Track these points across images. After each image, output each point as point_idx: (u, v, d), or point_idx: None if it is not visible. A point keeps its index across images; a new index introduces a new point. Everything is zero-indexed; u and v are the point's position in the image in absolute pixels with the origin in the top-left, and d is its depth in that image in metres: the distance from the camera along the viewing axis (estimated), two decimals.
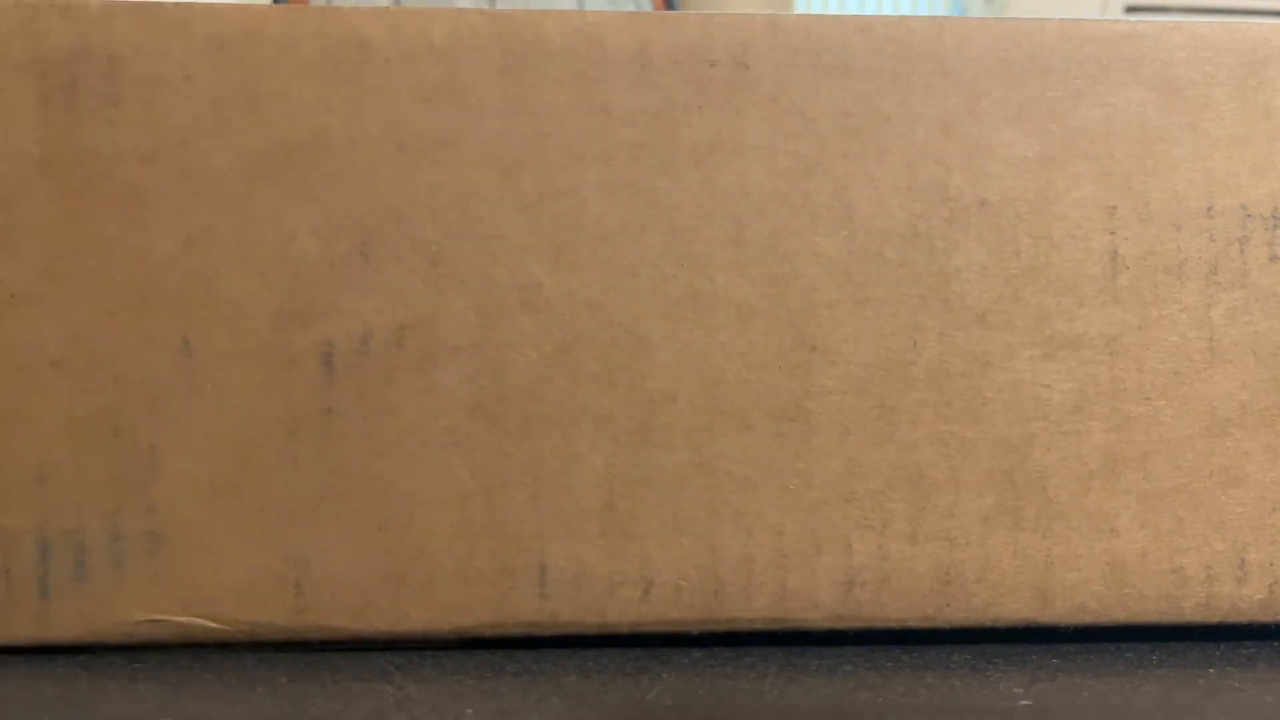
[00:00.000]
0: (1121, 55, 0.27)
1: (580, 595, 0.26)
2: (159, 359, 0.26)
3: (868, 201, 0.26)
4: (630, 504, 0.26)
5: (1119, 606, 0.27)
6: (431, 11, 0.26)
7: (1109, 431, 0.27)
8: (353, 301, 0.26)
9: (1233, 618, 0.27)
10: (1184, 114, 0.27)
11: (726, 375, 0.26)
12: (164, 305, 0.26)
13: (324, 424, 0.26)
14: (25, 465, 0.26)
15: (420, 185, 0.26)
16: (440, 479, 0.26)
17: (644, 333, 0.26)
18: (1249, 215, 0.27)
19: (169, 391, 0.26)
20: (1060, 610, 0.27)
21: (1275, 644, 0.28)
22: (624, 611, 0.26)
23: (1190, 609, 0.27)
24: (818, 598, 0.26)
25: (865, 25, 0.26)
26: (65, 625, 0.26)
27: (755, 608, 0.26)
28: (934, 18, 0.27)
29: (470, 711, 0.23)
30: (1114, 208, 0.27)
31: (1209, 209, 0.27)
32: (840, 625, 0.26)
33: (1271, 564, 0.27)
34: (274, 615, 0.26)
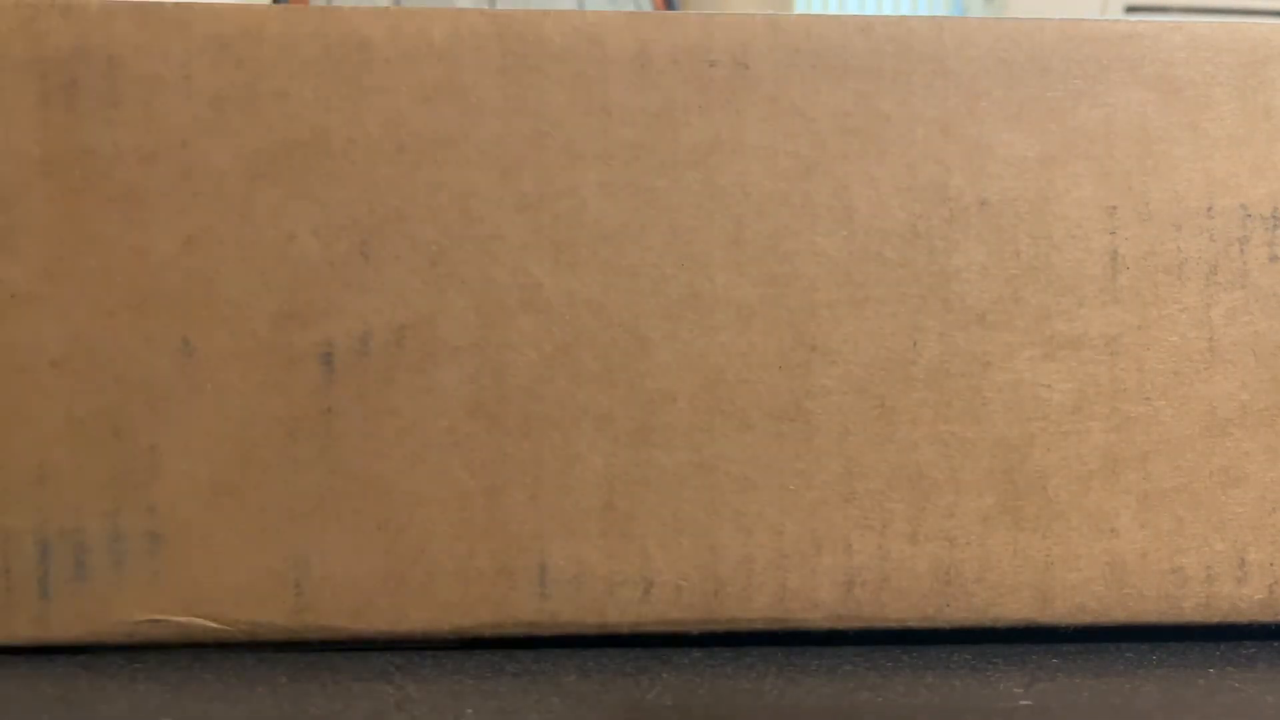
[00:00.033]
0: (1121, 55, 0.27)
1: (580, 595, 0.26)
2: (159, 359, 0.26)
3: (868, 201, 0.26)
4: (630, 504, 0.26)
5: (1119, 606, 0.27)
6: (431, 11, 0.26)
7: (1109, 431, 0.27)
8: (353, 301, 0.26)
9: (1233, 618, 0.27)
10: (1184, 114, 0.27)
11: (726, 375, 0.26)
12: (164, 305, 0.26)
13: (324, 424, 0.26)
14: (25, 465, 0.26)
15: (420, 185, 0.26)
16: (440, 479, 0.26)
17: (644, 333, 0.26)
18: (1249, 215, 0.27)
19: (169, 391, 0.26)
20: (1060, 610, 0.27)
21: (1275, 644, 0.28)
22: (624, 611, 0.26)
23: (1190, 609, 0.27)
24: (818, 598, 0.26)
25: (865, 25, 0.26)
26: (65, 625, 0.26)
27: (755, 608, 0.26)
28: (934, 18, 0.27)
29: (470, 711, 0.23)
30: (1114, 208, 0.27)
31: (1209, 209, 0.27)
32: (840, 625, 0.26)
33: (1271, 564, 0.27)
34: (274, 615, 0.26)
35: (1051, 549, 0.26)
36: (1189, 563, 0.27)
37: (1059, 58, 0.27)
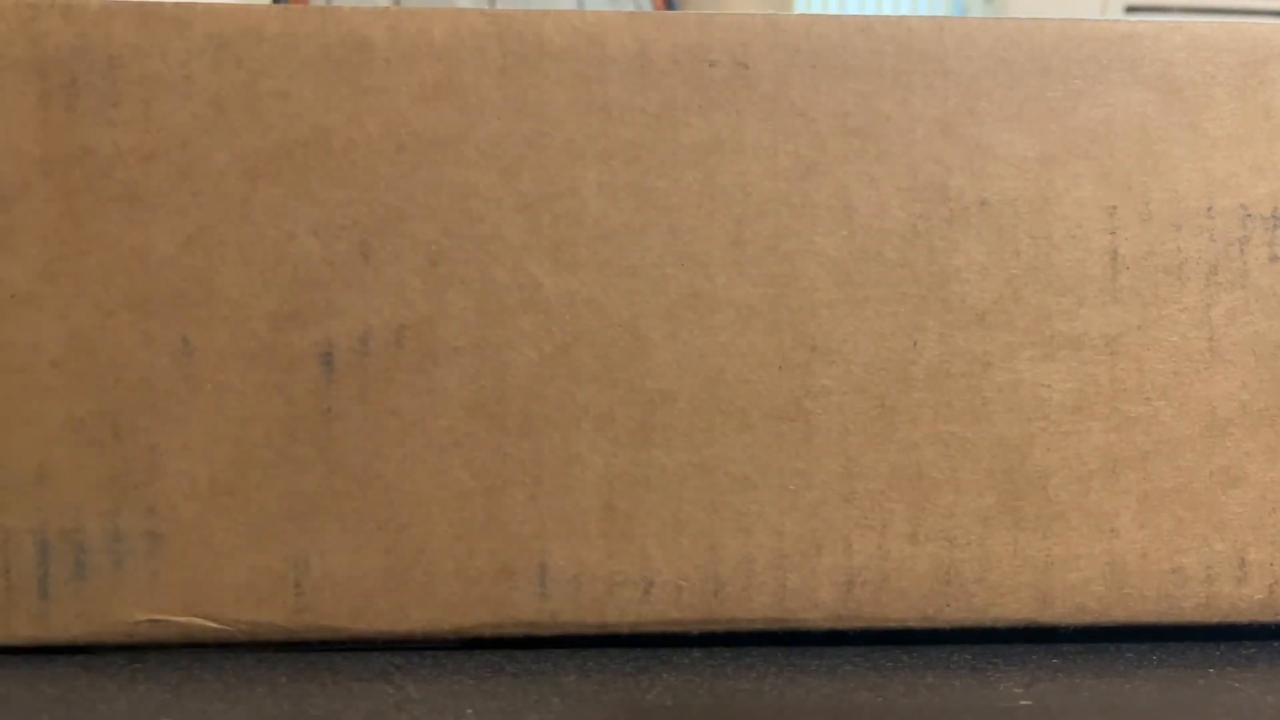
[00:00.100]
0: (1121, 55, 0.27)
1: (580, 595, 0.26)
2: (159, 359, 0.26)
3: (868, 201, 0.26)
4: (630, 504, 0.26)
5: (1119, 606, 0.27)
6: (431, 11, 0.26)
7: (1109, 431, 0.27)
8: (353, 301, 0.26)
9: (1233, 618, 0.27)
10: (1184, 114, 0.27)
11: (726, 375, 0.26)
12: (164, 305, 0.26)
13: (324, 424, 0.26)
14: (25, 465, 0.26)
15: (420, 185, 0.26)
16: (440, 479, 0.26)
17: (644, 333, 0.26)
18: (1249, 215, 0.27)
19: (169, 391, 0.26)
20: (1060, 610, 0.27)
21: (1275, 644, 0.28)
22: (624, 611, 0.26)
23: (1190, 609, 0.27)
24: (818, 598, 0.26)
25: (865, 25, 0.26)
26: (65, 625, 0.26)
27: (755, 608, 0.26)
28: (934, 18, 0.27)
29: (470, 711, 0.23)
30: (1114, 208, 0.27)
31: (1209, 209, 0.27)
32: (840, 625, 0.26)
33: (1271, 564, 0.27)
34: (274, 615, 0.26)
35: (1051, 549, 0.26)
36: (1189, 563, 0.27)
37: (1059, 58, 0.27)
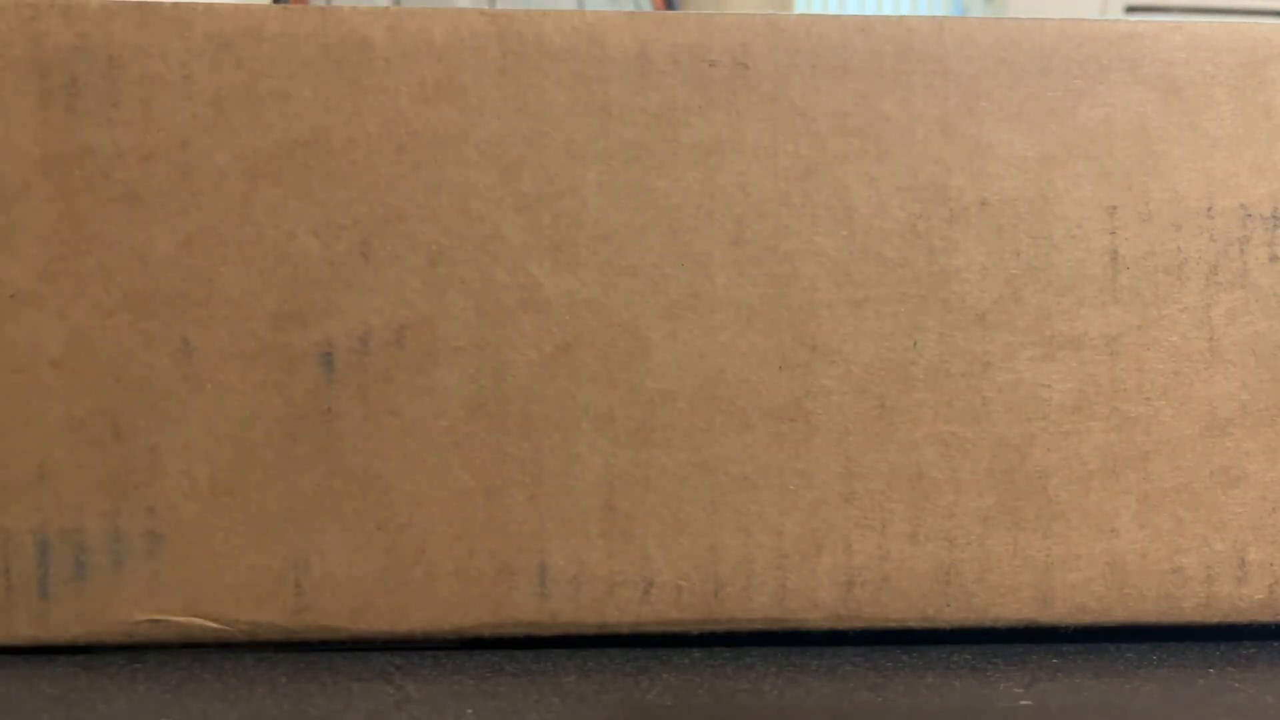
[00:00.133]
0: (1121, 55, 0.27)
1: (580, 595, 0.26)
2: (159, 359, 0.26)
3: (868, 201, 0.26)
4: (630, 504, 0.26)
5: (1119, 606, 0.27)
6: (431, 11, 0.26)
7: (1109, 431, 0.27)
8: (353, 301, 0.26)
9: (1233, 618, 0.27)
10: (1184, 114, 0.27)
11: (726, 375, 0.26)
12: (164, 305, 0.26)
13: (324, 424, 0.26)
14: (25, 465, 0.26)
15: (420, 185, 0.26)
16: (440, 479, 0.26)
17: (644, 333, 0.26)
18: (1249, 215, 0.27)
19: (169, 391, 0.26)
20: (1060, 610, 0.27)
21: (1275, 644, 0.28)
22: (624, 611, 0.26)
23: (1190, 609, 0.27)
24: (818, 598, 0.26)
25: (865, 25, 0.26)
26: (65, 625, 0.26)
27: (755, 608, 0.26)
28: (934, 18, 0.27)
29: (470, 711, 0.23)
30: (1114, 208, 0.27)
31: (1209, 209, 0.27)
32: (840, 625, 0.26)
33: (1271, 564, 0.27)
34: (274, 615, 0.26)
35: (1051, 549, 0.26)
36: (1189, 563, 0.27)
37: (1059, 58, 0.27)
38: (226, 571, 0.26)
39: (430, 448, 0.26)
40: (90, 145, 0.26)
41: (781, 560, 0.26)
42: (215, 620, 0.26)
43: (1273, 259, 0.27)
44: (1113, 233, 0.27)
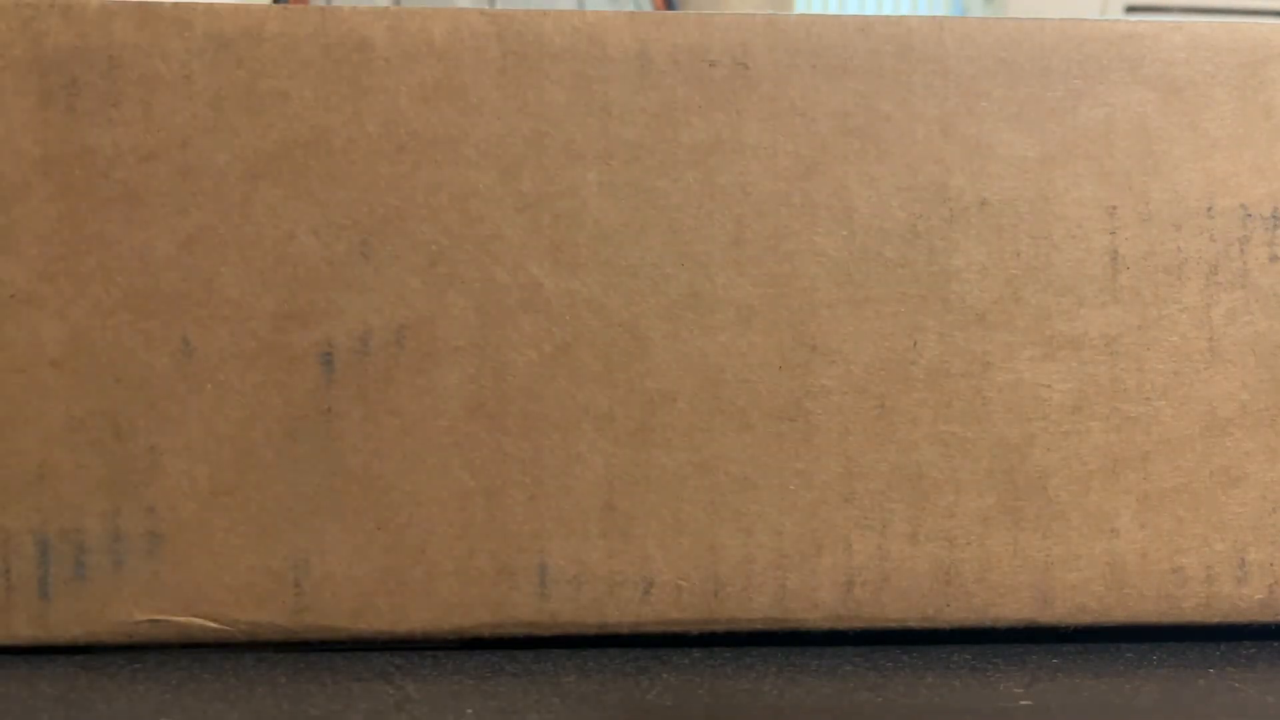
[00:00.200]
0: (1121, 55, 0.27)
1: (580, 595, 0.26)
2: (159, 359, 0.26)
3: (868, 201, 0.26)
4: (630, 504, 0.26)
5: (1119, 606, 0.27)
6: (431, 11, 0.26)
7: (1109, 431, 0.27)
8: (353, 301, 0.26)
9: (1233, 618, 0.27)
10: (1184, 114, 0.27)
11: (726, 375, 0.26)
12: (164, 305, 0.26)
13: (324, 424, 0.26)
14: (25, 465, 0.26)
15: (420, 185, 0.26)
16: (440, 479, 0.26)
17: (644, 333, 0.26)
18: (1249, 215, 0.27)
19: (169, 391, 0.26)
20: (1060, 610, 0.27)
21: (1275, 644, 0.28)
22: (624, 611, 0.26)
23: (1190, 609, 0.27)
24: (818, 598, 0.26)
25: (865, 25, 0.26)
26: (65, 625, 0.26)
27: (755, 608, 0.26)
28: (934, 18, 0.27)
29: (470, 711, 0.23)
30: (1114, 208, 0.27)
31: (1209, 209, 0.27)
32: (840, 625, 0.26)
33: (1271, 564, 0.27)
34: (274, 615, 0.26)
35: (1051, 549, 0.26)
36: (1189, 563, 0.27)
37: (1059, 58, 0.27)
38: (226, 571, 0.26)
39: (430, 448, 0.26)
40: (90, 145, 0.26)
41: (781, 560, 0.26)
42: (215, 620, 0.26)
43: (1273, 259, 0.27)
44: (1113, 233, 0.27)
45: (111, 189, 0.26)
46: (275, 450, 0.26)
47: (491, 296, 0.26)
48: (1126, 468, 0.27)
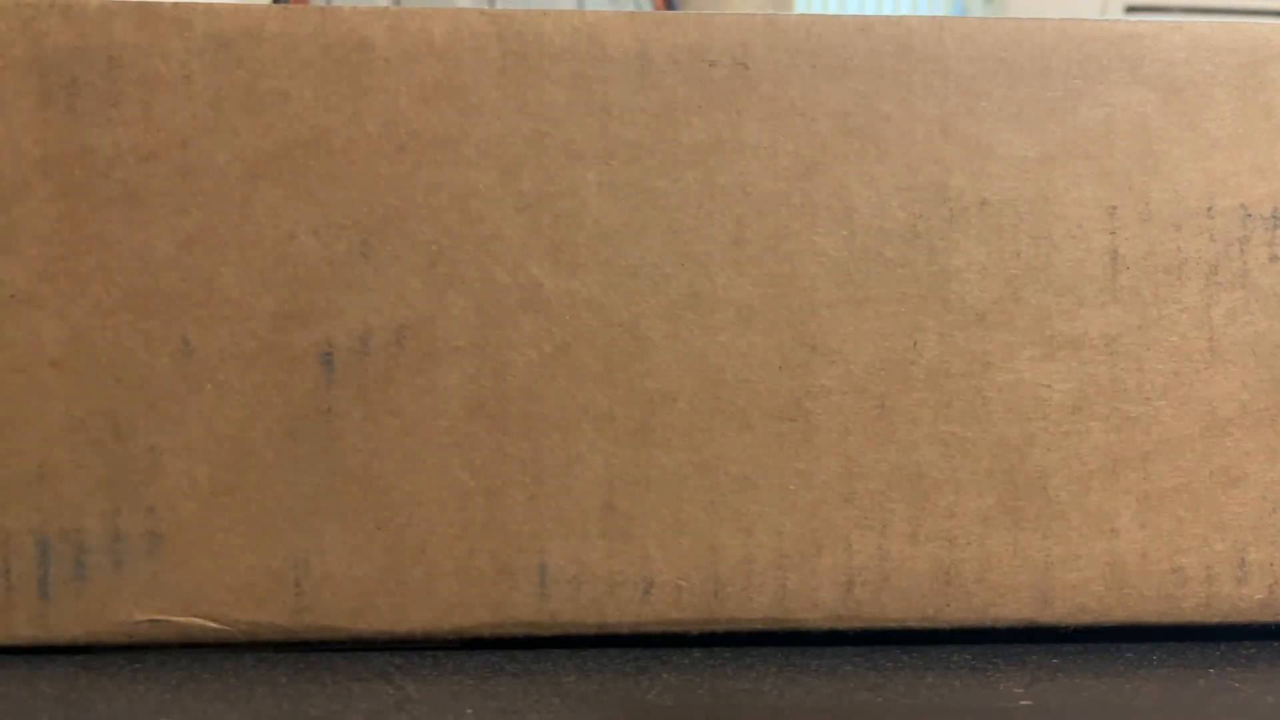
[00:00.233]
0: (1121, 55, 0.27)
1: (580, 595, 0.26)
2: (159, 359, 0.26)
3: (868, 201, 0.26)
4: (630, 504, 0.26)
5: (1119, 606, 0.27)
6: (431, 11, 0.26)
7: (1109, 431, 0.27)
8: (353, 301, 0.26)
9: (1233, 618, 0.27)
10: (1184, 114, 0.27)
11: (726, 375, 0.26)
12: (164, 305, 0.26)
13: (324, 424, 0.26)
14: (25, 465, 0.26)
15: (420, 185, 0.26)
16: (440, 479, 0.26)
17: (644, 333, 0.26)
18: (1249, 215, 0.27)
19: (169, 391, 0.26)
20: (1060, 610, 0.27)
21: (1275, 644, 0.28)
22: (624, 611, 0.26)
23: (1190, 609, 0.27)
24: (818, 598, 0.26)
25: (865, 25, 0.26)
26: (65, 625, 0.26)
27: (755, 608, 0.26)
28: (934, 18, 0.27)
29: (470, 711, 0.23)
30: (1114, 208, 0.27)
31: (1209, 209, 0.27)
32: (840, 625, 0.26)
33: (1271, 564, 0.27)
34: (274, 615, 0.26)
35: (1051, 549, 0.26)
36: (1189, 563, 0.27)
37: (1059, 58, 0.27)
38: (226, 571, 0.26)
39: (430, 448, 0.26)
40: (90, 145, 0.26)
41: (781, 560, 0.26)
42: (215, 620, 0.26)
43: (1273, 259, 0.27)
44: (1113, 233, 0.27)
45: (111, 189, 0.26)
46: (275, 450, 0.26)
47: (491, 296, 0.26)
48: (1126, 468, 0.27)
